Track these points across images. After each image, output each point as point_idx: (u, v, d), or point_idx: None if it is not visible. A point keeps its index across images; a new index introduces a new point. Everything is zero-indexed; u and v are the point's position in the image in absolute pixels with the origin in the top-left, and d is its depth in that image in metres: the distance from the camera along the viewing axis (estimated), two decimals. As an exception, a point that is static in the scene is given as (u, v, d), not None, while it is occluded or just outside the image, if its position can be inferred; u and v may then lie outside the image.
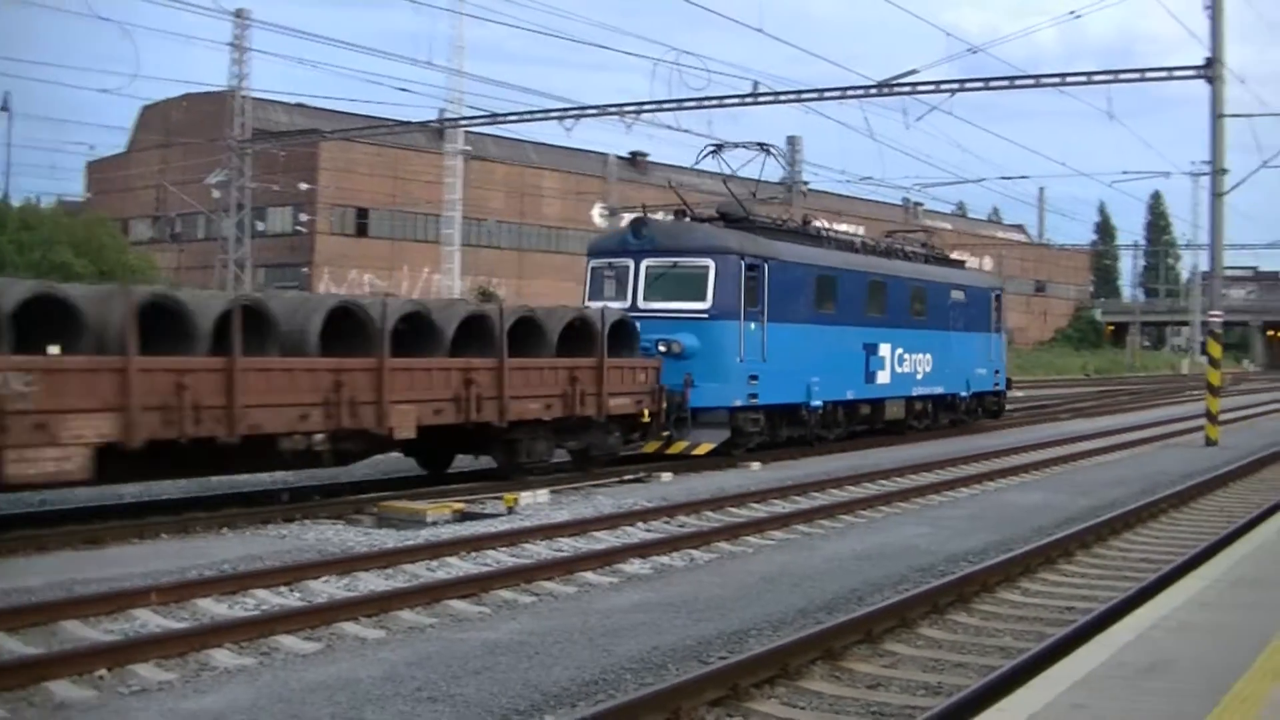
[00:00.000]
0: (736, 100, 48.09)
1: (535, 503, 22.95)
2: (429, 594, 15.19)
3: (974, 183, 78.63)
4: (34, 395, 16.65)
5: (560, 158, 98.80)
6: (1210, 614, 10.83)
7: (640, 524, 21.50)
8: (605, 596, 15.52)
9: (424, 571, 17.15)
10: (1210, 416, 38.62)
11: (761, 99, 47.73)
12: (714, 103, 48.16)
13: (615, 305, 30.19)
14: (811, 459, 32.17)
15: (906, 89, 44.66)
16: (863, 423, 36.99)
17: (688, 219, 33.75)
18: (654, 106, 49.28)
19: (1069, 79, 43.52)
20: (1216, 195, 39.24)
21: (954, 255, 48.44)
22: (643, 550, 18.64)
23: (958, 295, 42.77)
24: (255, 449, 20.12)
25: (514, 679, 11.60)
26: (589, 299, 32.15)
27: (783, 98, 48.02)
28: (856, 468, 29.84)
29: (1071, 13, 42.80)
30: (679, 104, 48.42)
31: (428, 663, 12.12)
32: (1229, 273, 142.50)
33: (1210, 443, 37.78)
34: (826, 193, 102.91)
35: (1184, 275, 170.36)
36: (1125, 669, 9.00)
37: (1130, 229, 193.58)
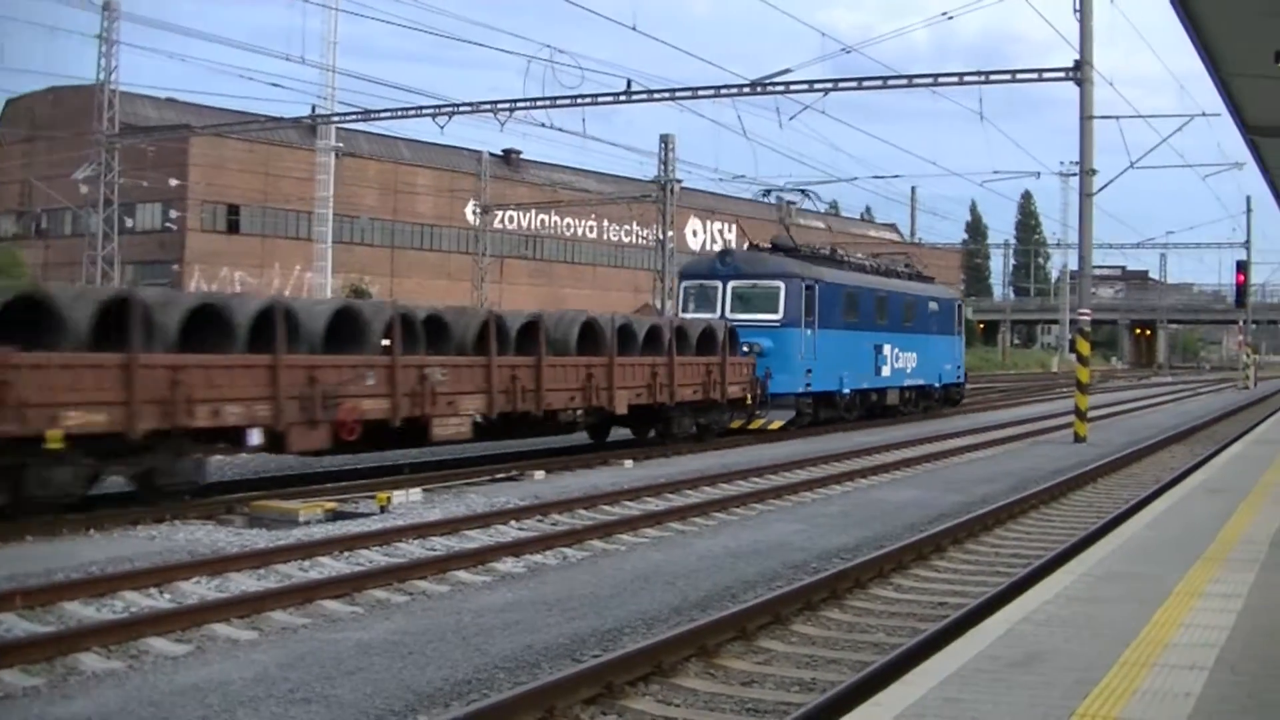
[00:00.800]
0: (610, 98, 48.11)
1: (408, 501, 22.88)
2: (301, 594, 15.09)
3: (847, 181, 79.41)
4: (447, 382, 26.11)
5: (433, 155, 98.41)
6: (1080, 608, 10.95)
7: (513, 522, 21.48)
8: (478, 595, 15.47)
9: (296, 571, 17.04)
10: (1079, 413, 39.09)
11: (635, 97, 47.80)
12: (588, 100, 48.21)
13: (704, 316, 39.52)
14: (684, 456, 32.50)
15: (780, 88, 44.82)
16: (870, 408, 46.67)
17: (754, 250, 45.38)
18: (527, 104, 49.26)
19: (941, 79, 43.85)
20: (1085, 196, 39.68)
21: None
22: (516, 549, 18.61)
23: (933, 305, 53.43)
24: (546, 421, 29.99)
25: (388, 679, 11.55)
26: (681, 311, 42.84)
27: (656, 96, 48.12)
28: (730, 465, 29.98)
29: (944, 14, 43.08)
30: (552, 101, 48.41)
31: (301, 664, 12.03)
32: (1098, 272, 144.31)
33: (1079, 439, 38.26)
34: (700, 190, 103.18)
35: (1054, 274, 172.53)
36: (997, 663, 9.09)
37: (1001, 228, 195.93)
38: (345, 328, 24.59)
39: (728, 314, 40.31)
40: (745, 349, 38.39)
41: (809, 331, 41.33)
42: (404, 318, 25.64)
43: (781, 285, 41.12)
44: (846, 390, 44.09)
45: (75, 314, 20.02)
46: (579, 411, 30.91)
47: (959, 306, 58.16)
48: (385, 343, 25.17)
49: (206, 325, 21.87)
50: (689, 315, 40.34)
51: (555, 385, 29.32)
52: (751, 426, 38.92)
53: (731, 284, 41.44)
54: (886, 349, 47.05)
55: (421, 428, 25.72)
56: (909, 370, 49.43)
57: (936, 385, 53.01)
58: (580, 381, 30.21)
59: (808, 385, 41.28)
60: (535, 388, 28.58)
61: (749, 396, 37.64)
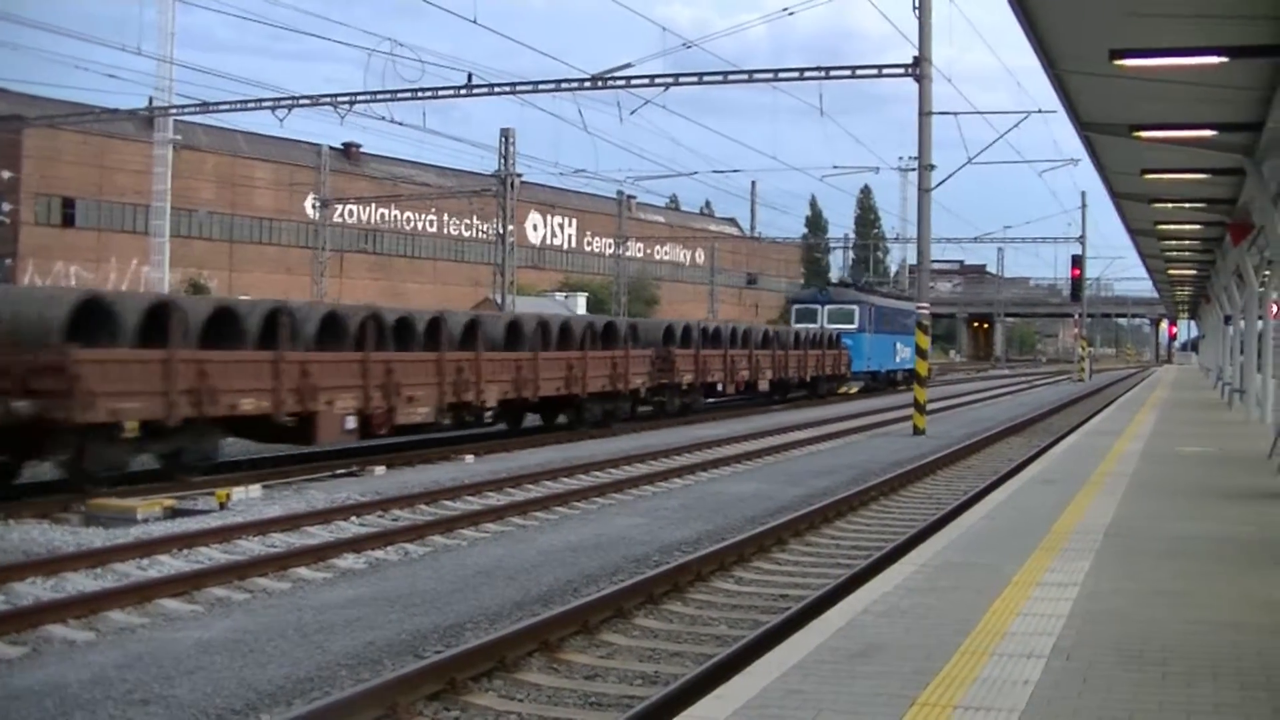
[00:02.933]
0: (452, 92, 47.96)
1: (248, 498, 22.67)
2: (139, 593, 14.88)
3: (687, 176, 79.95)
4: (793, 362, 58.52)
5: (272, 148, 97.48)
6: (920, 598, 11.06)
7: (354, 518, 21.34)
8: (319, 592, 15.37)
9: (134, 570, 16.81)
10: (918, 406, 39.56)
11: (476, 91, 47.64)
12: (429, 94, 48.02)
13: (809, 327, 65.58)
14: (526, 450, 32.55)
15: (621, 83, 44.88)
16: (888, 382, 73.66)
17: (838, 288, 78.86)
18: (368, 97, 48.98)
19: (782, 75, 44.08)
20: (924, 191, 40.17)
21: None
22: (356, 545, 18.52)
23: (913, 316, 76.59)
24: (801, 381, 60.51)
25: (228, 678, 11.43)
26: (793, 324, 67.84)
27: (497, 90, 47.99)
28: (571, 459, 29.98)
29: (785, 10, 43.27)
30: (393, 95, 48.22)
31: (139, 664, 11.87)
32: (936, 266, 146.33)
33: (918, 432, 38.76)
34: (540, 185, 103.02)
35: (893, 268, 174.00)
36: (838, 654, 9.15)
37: (841, 223, 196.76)
38: (712, 337, 49.48)
39: (825, 325, 66.94)
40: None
41: (868, 336, 69.28)
42: (767, 332, 56.25)
43: (856, 308, 69.66)
44: (882, 371, 72.28)
45: (652, 334, 45.57)
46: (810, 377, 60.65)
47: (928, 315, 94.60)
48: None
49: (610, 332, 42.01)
50: (797, 326, 65.82)
51: (807, 364, 59.86)
52: (840, 390, 65.96)
53: (827, 307, 69.46)
54: (897, 345, 72.66)
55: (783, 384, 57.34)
56: (905, 359, 71.97)
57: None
58: (814, 363, 60.94)
59: (868, 368, 69.98)
60: (802, 366, 59.22)
61: (846, 373, 66.57)
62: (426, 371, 30.69)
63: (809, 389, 61.23)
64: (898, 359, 74.82)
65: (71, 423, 21.32)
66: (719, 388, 49.84)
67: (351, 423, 27.91)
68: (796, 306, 72.48)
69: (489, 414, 35.23)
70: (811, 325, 66.46)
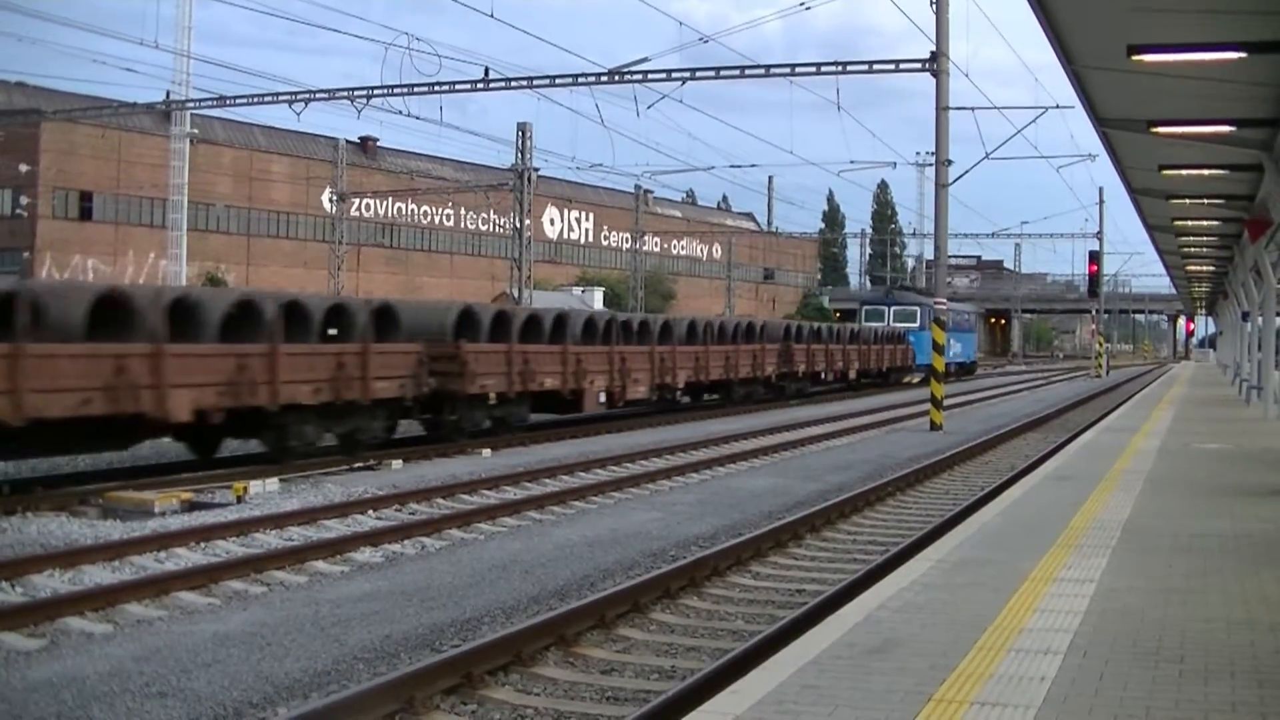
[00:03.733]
0: (469, 86, 47.94)
1: (264, 492, 22.72)
2: (157, 586, 14.91)
3: (704, 170, 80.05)
4: (859, 354, 67.15)
5: (290, 142, 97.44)
6: (936, 594, 11.05)
7: (371, 512, 21.38)
8: (336, 586, 15.38)
9: (152, 563, 16.84)
10: (935, 401, 39.49)
11: (494, 85, 47.62)
12: (446, 88, 48.00)
13: (877, 325, 76.51)
14: (542, 445, 32.59)
15: (638, 77, 44.79)
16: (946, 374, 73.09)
17: (900, 290, 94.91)
18: (385, 91, 48.95)
19: (799, 69, 43.97)
20: (941, 186, 40.09)
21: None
22: (374, 538, 18.54)
23: (966, 316, 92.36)
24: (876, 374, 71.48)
25: (245, 671, 11.45)
26: (863, 323, 77.53)
27: (515, 84, 47.94)
28: (588, 454, 30.00)
29: (802, 4, 43.13)
30: (410, 89, 48.18)
31: (156, 657, 11.89)
32: (953, 261, 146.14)
33: (935, 427, 38.70)
34: (557, 179, 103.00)
35: (910, 263, 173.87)
36: (854, 650, 9.15)
37: (858, 218, 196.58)
38: (816, 334, 60.43)
39: (891, 324, 78.65)
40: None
41: (928, 333, 68.90)
42: (854, 330, 67.28)
43: (918, 309, 79.18)
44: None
45: (775, 332, 55.84)
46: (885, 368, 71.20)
47: (976, 315, 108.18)
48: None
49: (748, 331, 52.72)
50: (868, 325, 76.28)
51: (883, 357, 70.33)
52: (904, 380, 75.59)
53: (893, 308, 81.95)
54: (951, 340, 73.52)
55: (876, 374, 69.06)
56: (957, 353, 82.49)
57: (967, 361, 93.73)
58: (887, 356, 70.95)
59: (928, 361, 72.56)
60: (879, 359, 69.28)
61: (911, 365, 75.82)
62: (644, 359, 41.76)
63: (882, 378, 72.22)
64: (951, 353, 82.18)
65: (461, 393, 31.35)
66: (822, 375, 61.34)
67: (603, 397, 38.49)
68: (866, 307, 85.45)
69: (679, 392, 46.39)
70: (879, 324, 78.16)
